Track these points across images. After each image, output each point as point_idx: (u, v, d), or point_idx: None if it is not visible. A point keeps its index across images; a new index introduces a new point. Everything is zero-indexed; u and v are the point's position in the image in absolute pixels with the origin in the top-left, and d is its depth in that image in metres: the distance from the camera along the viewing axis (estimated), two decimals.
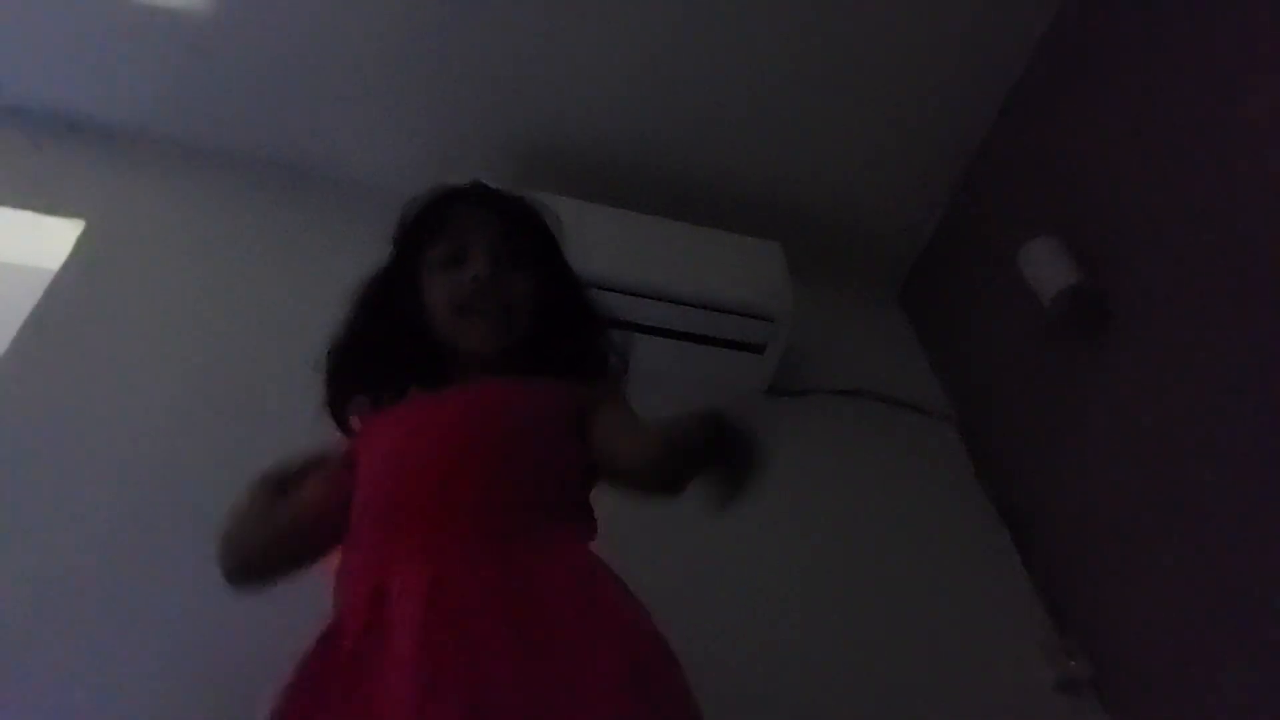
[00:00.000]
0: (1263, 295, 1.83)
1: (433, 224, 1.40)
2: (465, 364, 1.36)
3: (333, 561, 1.27)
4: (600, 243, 2.46)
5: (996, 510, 2.44)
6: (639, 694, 1.05)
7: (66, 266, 2.26)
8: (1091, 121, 2.41)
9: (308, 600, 1.74)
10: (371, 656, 1.05)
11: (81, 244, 2.32)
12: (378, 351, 1.41)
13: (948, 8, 2.61)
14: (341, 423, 1.41)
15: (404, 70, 2.66)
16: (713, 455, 1.09)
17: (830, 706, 1.91)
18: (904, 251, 3.09)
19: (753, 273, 2.53)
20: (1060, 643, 2.11)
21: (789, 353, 2.54)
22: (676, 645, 1.67)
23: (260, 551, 1.27)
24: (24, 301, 2.13)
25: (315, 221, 2.62)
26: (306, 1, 2.53)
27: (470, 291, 1.32)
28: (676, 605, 1.97)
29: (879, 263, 3.11)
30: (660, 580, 2.00)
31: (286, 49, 2.59)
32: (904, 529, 2.34)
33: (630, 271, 2.40)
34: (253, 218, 2.57)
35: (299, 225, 2.59)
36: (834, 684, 1.94)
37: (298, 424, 2.07)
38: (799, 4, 2.60)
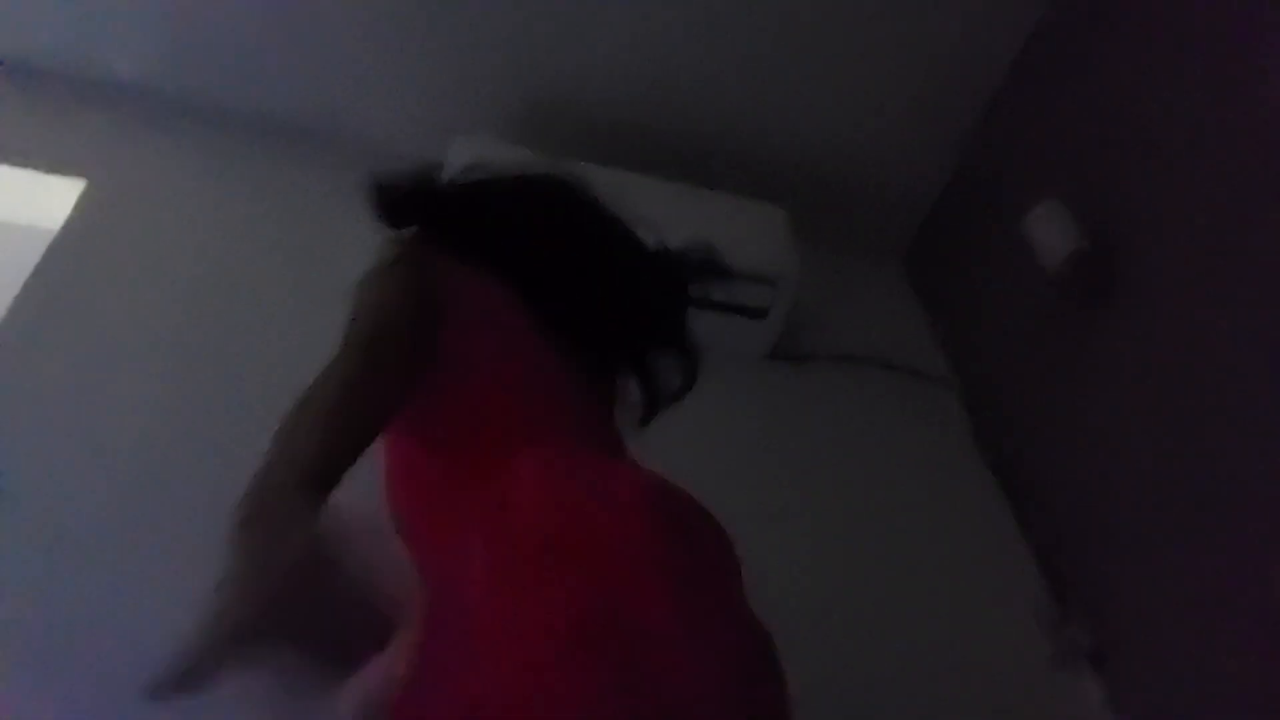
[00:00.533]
0: (1271, 262, 1.82)
1: None
2: None
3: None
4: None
5: (997, 479, 2.44)
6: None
7: (67, 226, 2.25)
8: (1100, 84, 2.38)
9: None
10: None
11: (83, 203, 2.31)
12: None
13: None
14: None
15: (411, 29, 2.63)
16: None
17: (825, 673, 1.92)
18: (909, 216, 3.07)
19: (756, 236, 2.52)
20: (1058, 613, 2.11)
21: (792, 318, 2.54)
22: None
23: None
24: (24, 261, 2.13)
25: (319, 181, 2.59)
26: None
27: None
28: None
29: (883, 227, 3.09)
30: None
31: (293, 6, 2.56)
32: (904, 496, 2.35)
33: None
34: (257, 177, 2.56)
35: (303, 185, 2.57)
36: (829, 651, 1.95)
37: (301, 384, 2.08)
38: None
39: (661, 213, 2.48)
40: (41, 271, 2.13)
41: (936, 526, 2.29)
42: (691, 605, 0.97)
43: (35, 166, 2.36)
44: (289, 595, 0.83)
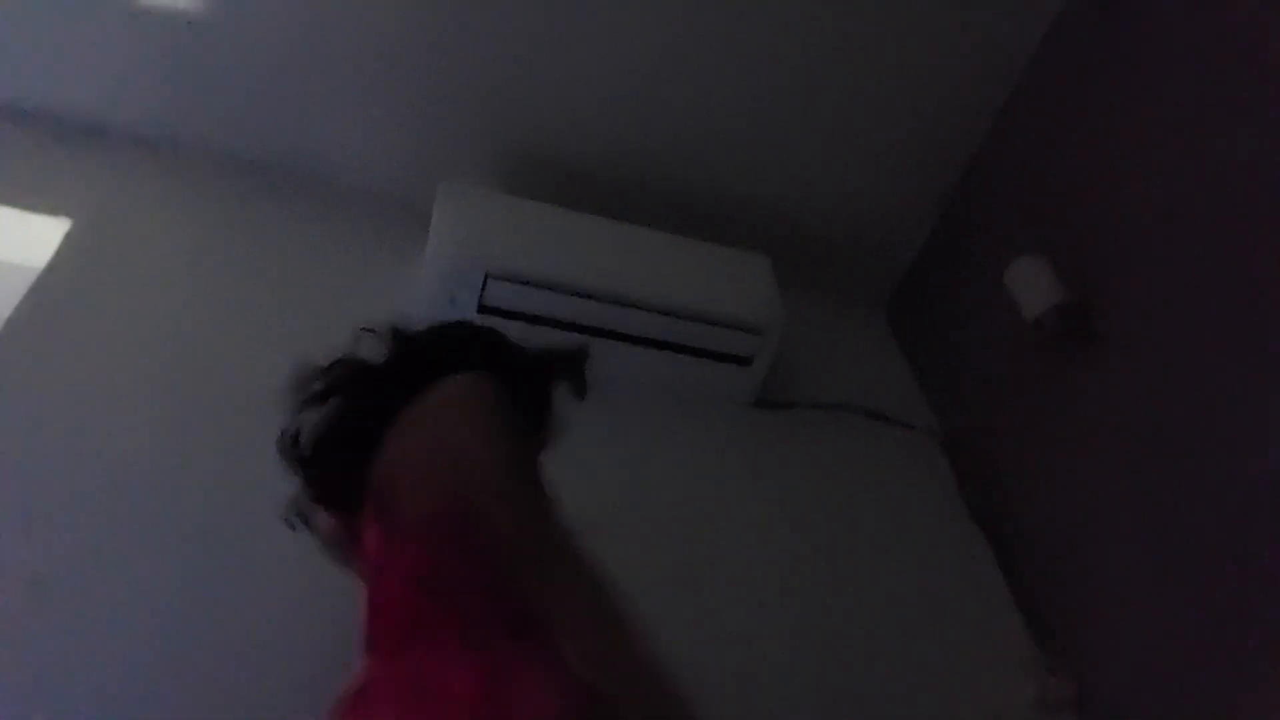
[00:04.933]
0: (1248, 314, 1.84)
1: None
2: None
3: None
4: (590, 252, 2.47)
5: (980, 527, 2.45)
6: None
7: (51, 266, 2.24)
8: (1080, 140, 2.42)
9: (292, 593, 1.73)
10: None
11: (67, 243, 2.31)
12: None
13: (938, 26, 2.63)
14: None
15: (398, 75, 2.65)
16: None
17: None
18: (892, 266, 3.10)
19: (741, 285, 2.53)
20: (1042, 660, 2.11)
21: (776, 365, 2.55)
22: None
23: None
24: (6, 300, 2.11)
25: (304, 224, 2.61)
26: (301, 4, 2.52)
27: None
28: (657, 617, 1.98)
29: (866, 277, 3.12)
30: (642, 591, 2.01)
31: (279, 52, 2.58)
32: (887, 544, 2.34)
33: (619, 282, 2.40)
34: (242, 220, 2.56)
35: (288, 228, 2.58)
36: (812, 700, 1.94)
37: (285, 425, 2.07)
38: (790, 20, 2.60)
39: (649, 261, 2.52)
40: (23, 310, 2.11)
41: (920, 574, 2.29)
42: None
43: (20, 206, 2.35)
44: None
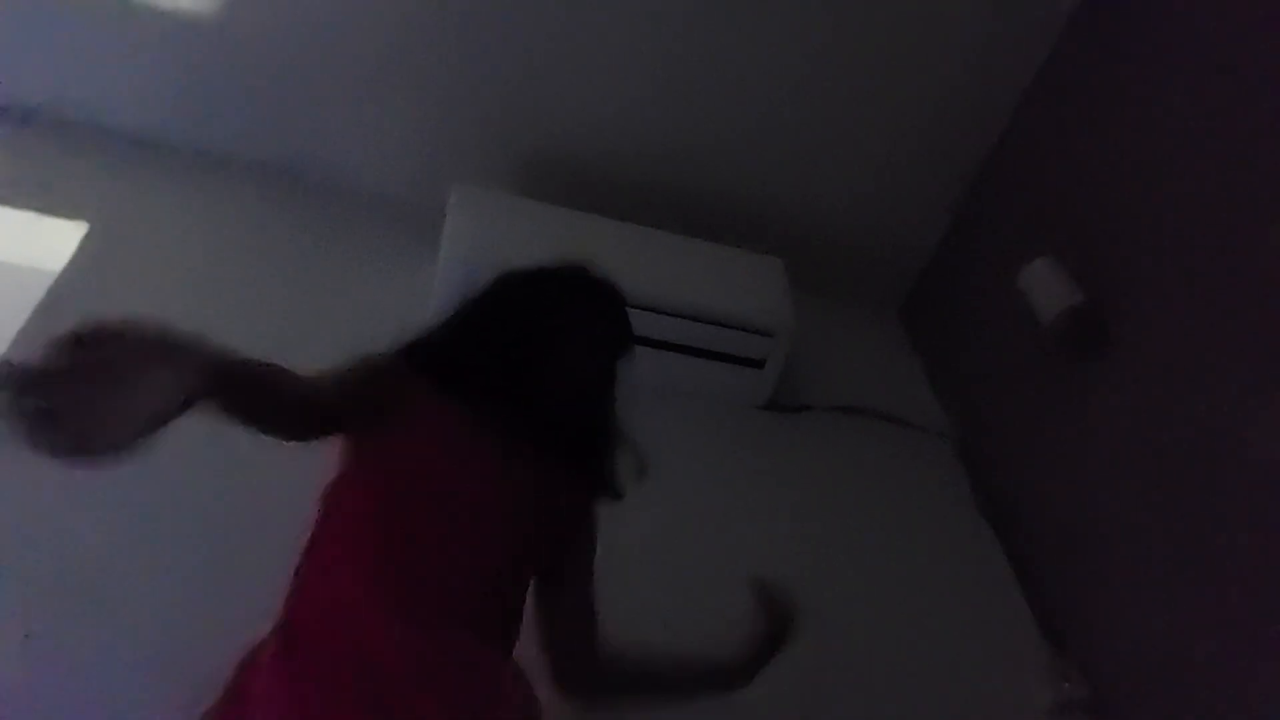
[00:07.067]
0: (1261, 315, 1.83)
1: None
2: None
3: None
4: (604, 255, 2.46)
5: (993, 528, 2.44)
6: None
7: (69, 268, 2.26)
8: (1093, 143, 2.42)
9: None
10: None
11: (84, 246, 2.32)
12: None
13: (953, 30, 2.63)
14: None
15: (411, 80, 2.66)
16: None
17: None
18: (905, 269, 3.09)
19: (754, 288, 2.54)
20: (1056, 663, 2.10)
21: (788, 368, 2.55)
22: None
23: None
24: (25, 302, 2.13)
25: (319, 228, 2.62)
26: (314, 9, 2.54)
27: None
28: (668, 616, 1.98)
29: (880, 280, 3.11)
30: (655, 593, 2.01)
31: (293, 56, 2.60)
32: (900, 546, 2.34)
33: (632, 284, 2.38)
34: (257, 223, 2.57)
35: (302, 231, 2.59)
36: (827, 703, 1.94)
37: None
38: (805, 24, 2.61)
39: (663, 264, 2.52)
40: (43, 312, 2.13)
41: (933, 577, 2.29)
42: None
43: (39, 209, 2.37)
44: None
